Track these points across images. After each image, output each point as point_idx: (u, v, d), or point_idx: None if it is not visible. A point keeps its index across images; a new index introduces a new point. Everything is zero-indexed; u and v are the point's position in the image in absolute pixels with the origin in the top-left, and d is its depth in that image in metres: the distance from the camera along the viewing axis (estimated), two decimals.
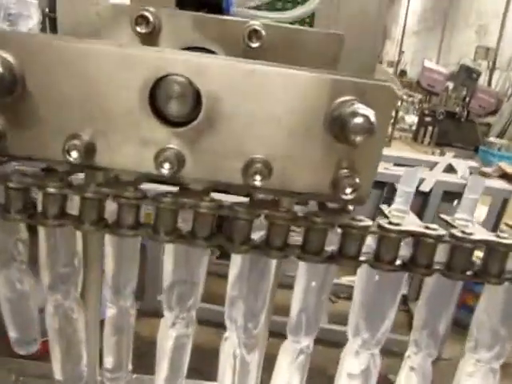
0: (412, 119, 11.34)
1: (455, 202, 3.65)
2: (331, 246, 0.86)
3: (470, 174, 3.97)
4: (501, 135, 9.29)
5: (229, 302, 0.96)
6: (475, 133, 9.35)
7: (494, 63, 11.63)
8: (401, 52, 17.05)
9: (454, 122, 9.70)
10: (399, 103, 9.47)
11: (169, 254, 0.93)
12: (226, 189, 0.86)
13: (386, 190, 4.01)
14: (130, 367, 1.12)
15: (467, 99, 9.52)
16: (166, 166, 0.76)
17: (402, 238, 0.85)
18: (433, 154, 8.13)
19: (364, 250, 0.86)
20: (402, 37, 17.37)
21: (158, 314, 1.00)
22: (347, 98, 0.75)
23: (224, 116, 0.77)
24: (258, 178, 0.76)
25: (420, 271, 0.86)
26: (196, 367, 1.06)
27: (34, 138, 0.79)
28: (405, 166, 4.08)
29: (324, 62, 0.94)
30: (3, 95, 0.74)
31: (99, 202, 0.85)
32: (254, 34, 0.90)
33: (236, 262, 0.93)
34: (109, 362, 1.07)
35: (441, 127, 9.74)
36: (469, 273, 0.87)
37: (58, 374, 1.07)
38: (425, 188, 3.66)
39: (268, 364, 1.04)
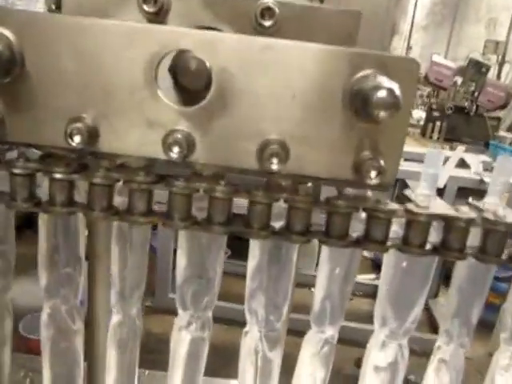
0: (420, 114, 11.25)
1: (470, 199, 3.62)
2: (356, 231, 0.82)
3: (485, 170, 3.93)
4: (511, 129, 9.20)
5: (248, 295, 0.90)
6: (485, 127, 9.26)
7: (504, 57, 11.55)
8: (409, 47, 17.03)
9: (462, 117, 9.61)
10: None
11: (182, 248, 0.88)
12: (240, 173, 0.81)
13: (398, 186, 3.98)
14: None
15: (476, 94, 9.44)
16: (175, 149, 0.71)
17: (431, 222, 0.81)
18: (443, 149, 8.06)
19: (391, 235, 0.81)
20: (410, 32, 17.33)
21: (169, 311, 0.95)
22: (368, 71, 0.70)
23: (236, 94, 0.73)
24: (274, 161, 0.71)
25: (452, 255, 0.81)
26: (210, 366, 1.00)
27: (34, 122, 0.75)
28: (415, 161, 4.06)
29: (341, 41, 0.89)
30: (1, 75, 0.70)
31: (109, 188, 0.80)
32: (266, 11, 0.85)
33: (255, 252, 0.88)
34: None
35: (449, 122, 9.64)
36: (503, 256, 0.82)
37: None
38: (439, 184, 3.62)
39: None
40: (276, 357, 0.94)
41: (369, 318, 0.93)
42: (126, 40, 0.71)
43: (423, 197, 0.85)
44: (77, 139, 0.71)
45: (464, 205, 0.88)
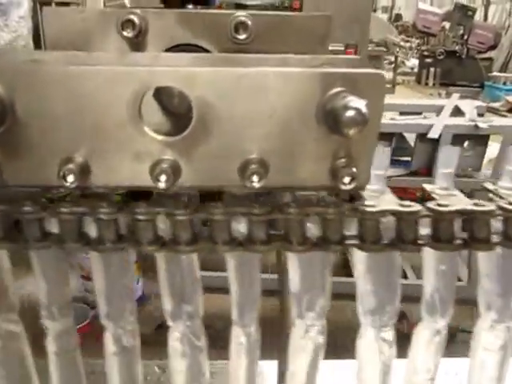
0: (412, 62, 11.17)
1: (465, 143, 3.65)
2: (463, 233, 0.85)
3: (480, 115, 3.95)
4: (504, 69, 9.18)
5: (360, 299, 0.94)
6: (478, 69, 9.23)
7: None
8: None
9: (455, 60, 9.57)
10: (397, 49, 9.36)
11: (293, 262, 0.91)
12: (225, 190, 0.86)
13: (395, 140, 3.99)
14: None
15: (465, 37, 9.37)
16: (163, 178, 0.75)
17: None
18: (439, 95, 8.04)
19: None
20: None
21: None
22: (338, 89, 0.76)
23: (217, 121, 0.77)
24: (255, 179, 0.76)
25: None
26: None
27: (30, 165, 0.79)
28: (411, 113, 4.06)
29: (314, 43, 0.94)
30: None
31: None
32: (240, 25, 0.91)
33: (361, 258, 0.91)
34: None
35: (442, 67, 9.60)
36: None
37: None
38: (434, 135, 3.68)
39: None
40: (392, 353, 0.97)
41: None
42: (109, 82, 0.75)
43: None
44: (70, 178, 0.75)
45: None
